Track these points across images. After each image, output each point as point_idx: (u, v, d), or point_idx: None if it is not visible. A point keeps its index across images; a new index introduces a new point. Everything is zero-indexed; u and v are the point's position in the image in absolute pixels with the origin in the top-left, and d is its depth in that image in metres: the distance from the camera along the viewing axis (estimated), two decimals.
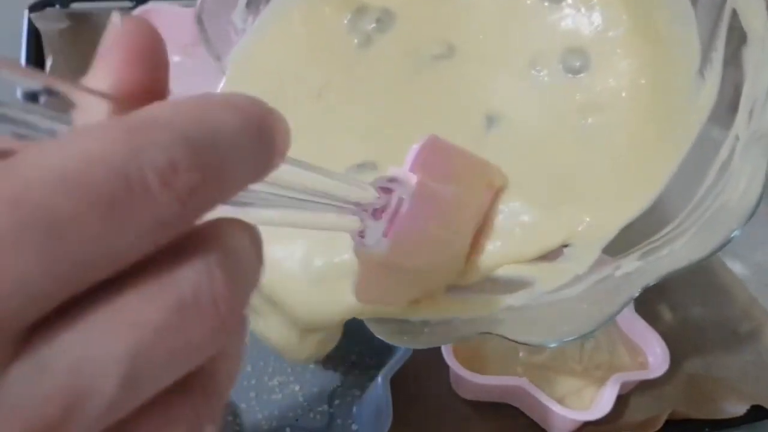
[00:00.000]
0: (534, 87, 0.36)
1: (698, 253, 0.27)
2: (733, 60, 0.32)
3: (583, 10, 0.37)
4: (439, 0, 0.39)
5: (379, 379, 0.38)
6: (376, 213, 0.25)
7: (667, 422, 0.39)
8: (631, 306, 0.44)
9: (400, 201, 0.25)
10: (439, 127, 0.34)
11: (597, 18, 0.37)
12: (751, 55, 0.32)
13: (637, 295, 0.28)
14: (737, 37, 0.32)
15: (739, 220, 0.27)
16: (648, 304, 0.46)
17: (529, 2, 0.38)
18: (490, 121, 0.35)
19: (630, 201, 0.32)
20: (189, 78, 0.61)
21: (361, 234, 0.25)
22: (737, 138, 0.31)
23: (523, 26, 0.37)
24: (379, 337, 0.32)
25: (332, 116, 0.37)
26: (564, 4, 0.37)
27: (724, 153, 0.31)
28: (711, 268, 0.50)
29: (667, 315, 0.47)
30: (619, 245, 0.32)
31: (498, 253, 0.33)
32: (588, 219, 0.33)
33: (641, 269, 0.29)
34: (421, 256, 0.28)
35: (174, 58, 0.70)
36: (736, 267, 0.52)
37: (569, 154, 0.34)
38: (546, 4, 0.37)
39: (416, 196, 0.26)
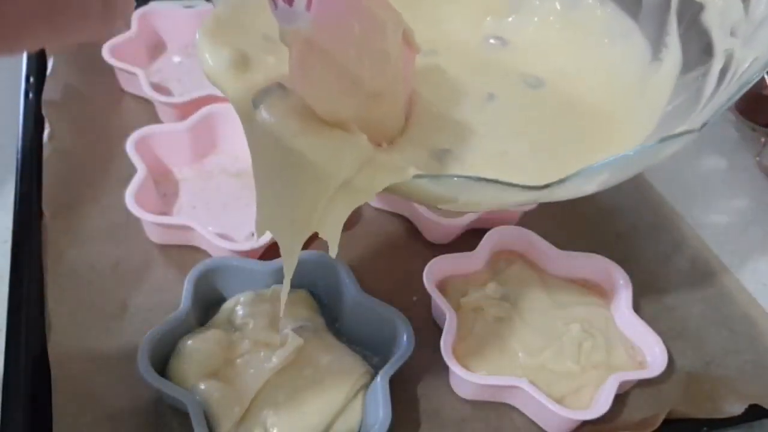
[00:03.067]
0: (513, 88, 0.40)
1: (749, 78, 0.29)
2: (692, 29, 0.36)
3: (529, 49, 0.42)
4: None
5: (379, 378, 0.38)
6: None
7: (666, 421, 0.40)
8: (630, 306, 0.44)
9: None
10: (448, 96, 0.37)
11: (543, 54, 0.42)
12: (711, 12, 0.35)
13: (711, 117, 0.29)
14: (690, 11, 0.36)
15: None
16: (646, 303, 0.47)
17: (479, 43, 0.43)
18: (491, 96, 0.38)
19: (626, 138, 0.35)
20: (189, 77, 0.62)
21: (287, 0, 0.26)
22: (727, 50, 0.33)
23: (482, 60, 0.42)
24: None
25: None
26: (511, 46, 0.43)
27: (717, 66, 0.34)
28: (710, 269, 0.50)
29: (665, 315, 0.47)
30: None
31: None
32: (588, 158, 0.35)
33: (696, 118, 0.31)
34: (349, 48, 0.29)
35: (174, 58, 0.71)
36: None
37: (559, 121, 0.38)
38: (492, 41, 0.43)
39: None
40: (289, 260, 0.33)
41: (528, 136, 0.36)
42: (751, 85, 0.29)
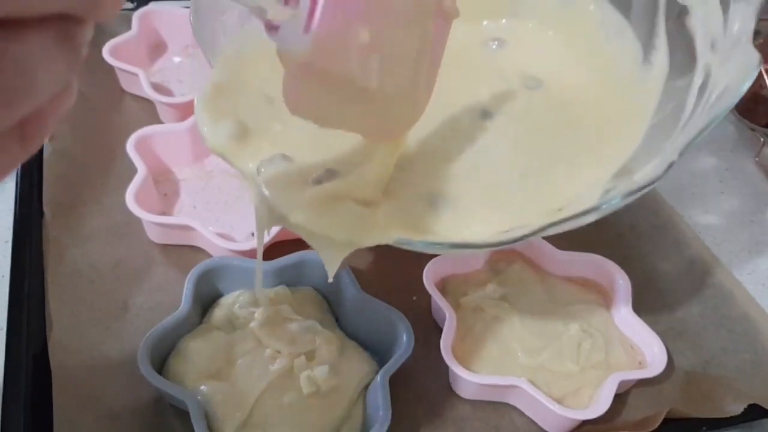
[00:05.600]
0: (510, 95, 0.40)
1: (718, 112, 0.30)
2: (678, 32, 0.37)
3: (527, 49, 0.43)
4: None
5: (379, 378, 0.38)
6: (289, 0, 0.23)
7: (665, 421, 0.40)
8: (629, 306, 0.44)
9: None
10: (439, 115, 0.37)
11: (540, 53, 0.43)
12: (695, 18, 0.36)
13: (677, 157, 0.30)
14: (677, 14, 0.37)
15: (744, 81, 0.30)
16: (646, 303, 0.47)
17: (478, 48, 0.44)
18: (485, 113, 0.39)
19: (614, 154, 0.36)
20: (189, 78, 0.62)
21: (273, 26, 0.23)
22: (707, 65, 0.34)
23: (482, 65, 0.43)
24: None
25: None
26: (509, 47, 0.44)
27: (698, 80, 0.34)
28: (709, 269, 0.50)
29: (665, 314, 0.47)
30: (625, 172, 0.35)
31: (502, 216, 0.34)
32: (578, 179, 0.35)
33: (660, 163, 0.31)
34: (349, 62, 0.26)
35: (175, 59, 0.71)
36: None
37: (550, 137, 0.38)
38: (493, 46, 0.44)
39: None
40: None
41: (518, 160, 0.37)
42: (716, 123, 0.30)
